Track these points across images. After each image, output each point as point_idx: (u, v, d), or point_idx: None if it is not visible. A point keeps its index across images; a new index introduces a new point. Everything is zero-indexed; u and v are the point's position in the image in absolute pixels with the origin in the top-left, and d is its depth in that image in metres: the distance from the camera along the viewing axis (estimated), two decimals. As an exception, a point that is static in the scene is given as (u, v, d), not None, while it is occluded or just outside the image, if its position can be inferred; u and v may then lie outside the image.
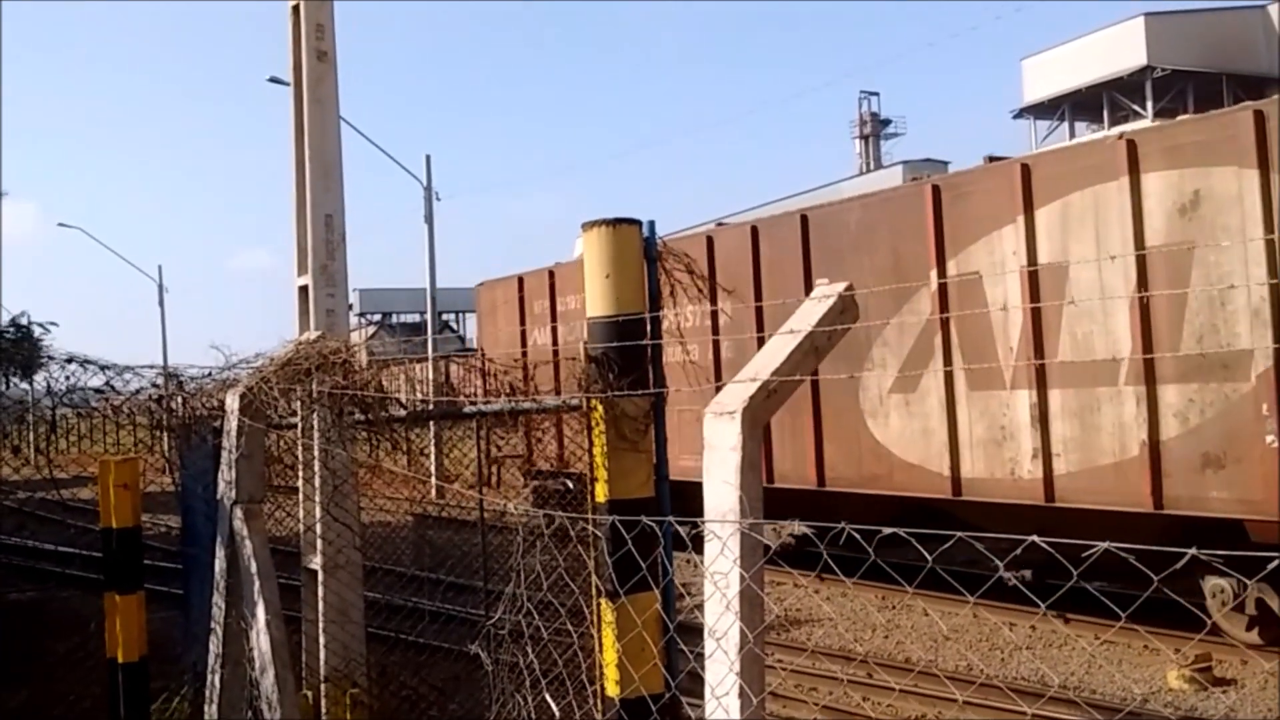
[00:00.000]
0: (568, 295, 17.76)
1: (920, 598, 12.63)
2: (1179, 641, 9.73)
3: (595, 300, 4.34)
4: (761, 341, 11.95)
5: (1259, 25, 50.95)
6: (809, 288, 11.66)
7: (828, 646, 10.80)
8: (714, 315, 13.72)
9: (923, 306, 12.12)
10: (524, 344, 18.65)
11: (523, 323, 18.99)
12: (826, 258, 13.38)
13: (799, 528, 15.08)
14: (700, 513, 2.83)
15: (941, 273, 11.86)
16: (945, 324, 11.78)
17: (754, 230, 14.60)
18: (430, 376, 26.52)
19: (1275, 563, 2.11)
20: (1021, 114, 59.24)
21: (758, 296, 13.94)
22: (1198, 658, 9.36)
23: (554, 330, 17.99)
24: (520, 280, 19.44)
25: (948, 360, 11.85)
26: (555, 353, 16.98)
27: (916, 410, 12.30)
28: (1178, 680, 9.09)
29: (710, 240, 15.17)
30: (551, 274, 18.51)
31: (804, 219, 13.86)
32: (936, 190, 12.17)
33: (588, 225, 4.34)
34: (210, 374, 6.26)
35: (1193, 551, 2.21)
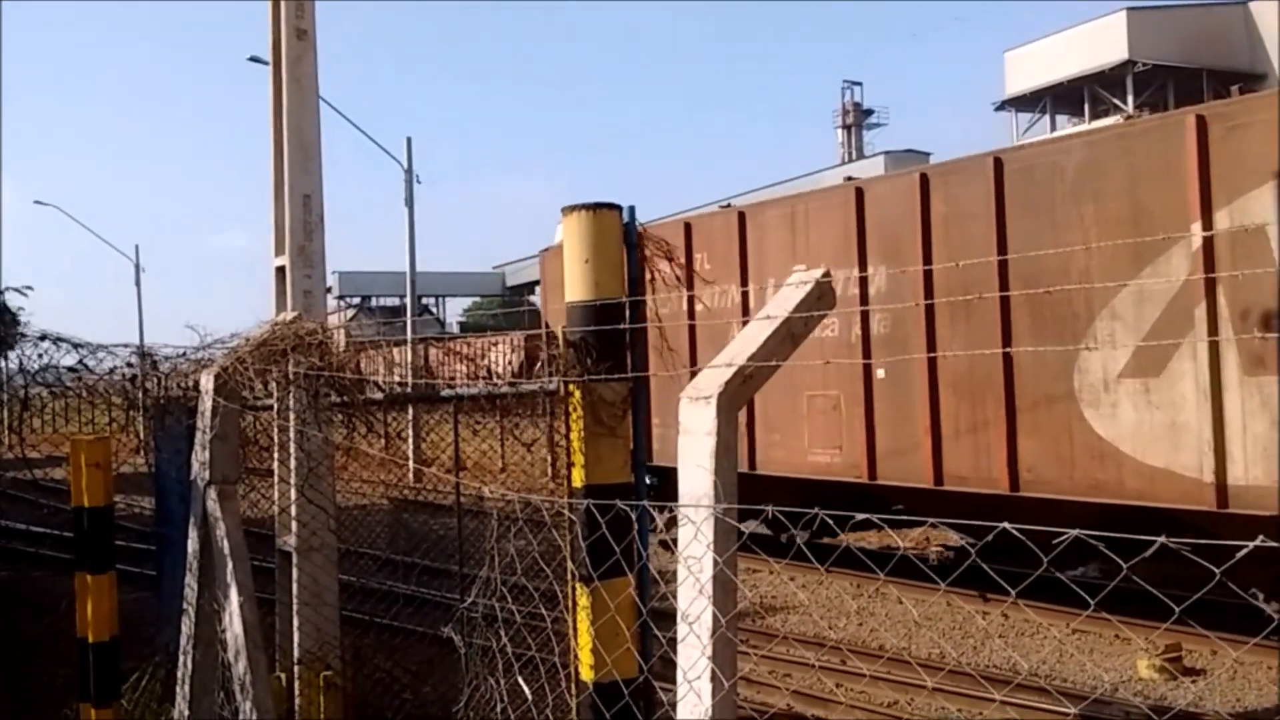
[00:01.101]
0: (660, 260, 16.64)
1: (894, 585, 12.70)
2: (1150, 631, 9.83)
3: (574, 285, 4.34)
4: (931, 311, 11.46)
5: (1240, 21, 51.18)
6: (1003, 246, 10.83)
7: (801, 633, 10.84)
8: (862, 283, 12.32)
9: (1173, 268, 9.85)
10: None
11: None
12: (1028, 211, 10.96)
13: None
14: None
15: (1207, 225, 9.59)
16: (1211, 289, 9.52)
17: (923, 180, 12.06)
18: (409, 360, 26.49)
19: None
20: (1003, 106, 59.42)
21: (927, 259, 11.76)
22: (1167, 647, 9.45)
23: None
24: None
25: (1213, 334, 9.50)
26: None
27: (1161, 399, 9.94)
28: (1147, 670, 9.17)
29: (859, 194, 12.80)
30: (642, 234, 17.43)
31: (998, 162, 11.27)
32: (1201, 122, 9.83)
33: (567, 210, 4.34)
34: (185, 354, 6.22)
35: None
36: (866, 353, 12.40)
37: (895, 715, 8.10)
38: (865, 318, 12.39)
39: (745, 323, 11.75)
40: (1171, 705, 8.16)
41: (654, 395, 14.85)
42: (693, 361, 12.47)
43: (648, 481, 14.69)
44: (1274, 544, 2.24)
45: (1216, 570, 2.76)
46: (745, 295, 13.68)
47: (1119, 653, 9.80)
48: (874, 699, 8.60)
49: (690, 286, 12.75)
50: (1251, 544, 2.37)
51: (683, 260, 13.57)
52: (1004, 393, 11.06)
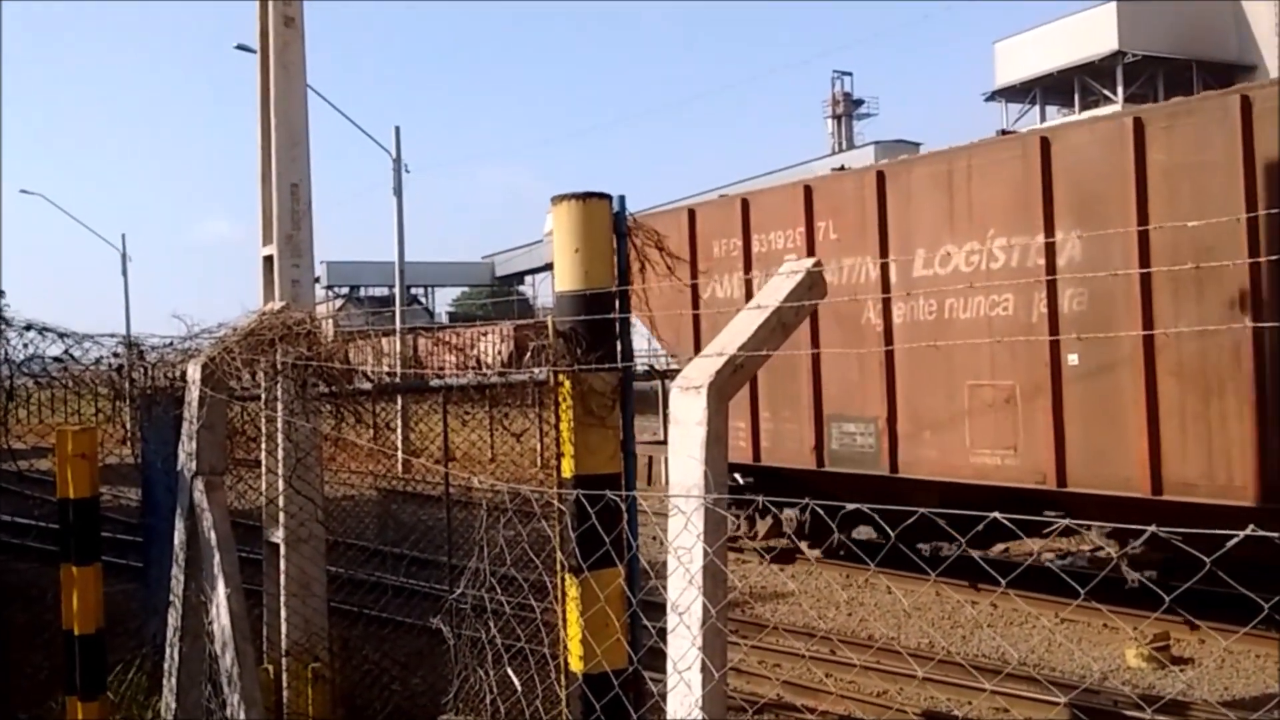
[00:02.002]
0: (772, 231, 13.20)
1: (883, 575, 12.72)
2: (1139, 621, 9.86)
3: (563, 275, 4.32)
4: (1148, 283, 9.55)
5: (1229, 13, 51.27)
6: (1251, 202, 9.00)
7: (791, 623, 10.85)
8: (1048, 251, 10.30)
9: None
10: (695, 301, 13.89)
11: (694, 271, 13.70)
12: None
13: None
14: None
15: None
16: None
17: (1137, 126, 10.00)
18: (398, 350, 26.44)
19: None
20: (993, 97, 59.44)
21: (1142, 219, 9.67)
22: (1156, 636, 9.47)
23: (748, 283, 13.04)
24: (691, 214, 14.37)
25: None
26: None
27: None
28: (1136, 659, 9.19)
29: (1045, 145, 10.64)
30: (746, 204, 13.59)
31: (1245, 101, 9.23)
32: None
33: (557, 199, 4.31)
34: (172, 344, 6.18)
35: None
36: (1054, 334, 10.30)
37: (884, 705, 8.10)
38: (1052, 294, 10.29)
39: (888, 300, 11.27)
40: (1160, 694, 8.17)
41: (763, 386, 12.93)
42: (814, 344, 11.98)
43: (739, 481, 13.57)
44: (1264, 533, 2.23)
45: (1207, 560, 2.75)
46: (885, 269, 11.73)
47: (1107, 642, 9.82)
48: (864, 689, 8.61)
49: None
50: (1241, 533, 2.36)
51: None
52: (1252, 382, 8.99)
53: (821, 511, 10.85)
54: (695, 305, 13.87)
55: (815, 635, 10.10)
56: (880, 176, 12.03)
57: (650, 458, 19.28)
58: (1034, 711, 7.88)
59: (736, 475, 13.58)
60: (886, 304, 11.61)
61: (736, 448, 12.92)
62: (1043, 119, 56.14)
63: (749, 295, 11.62)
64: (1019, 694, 8.04)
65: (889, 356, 11.65)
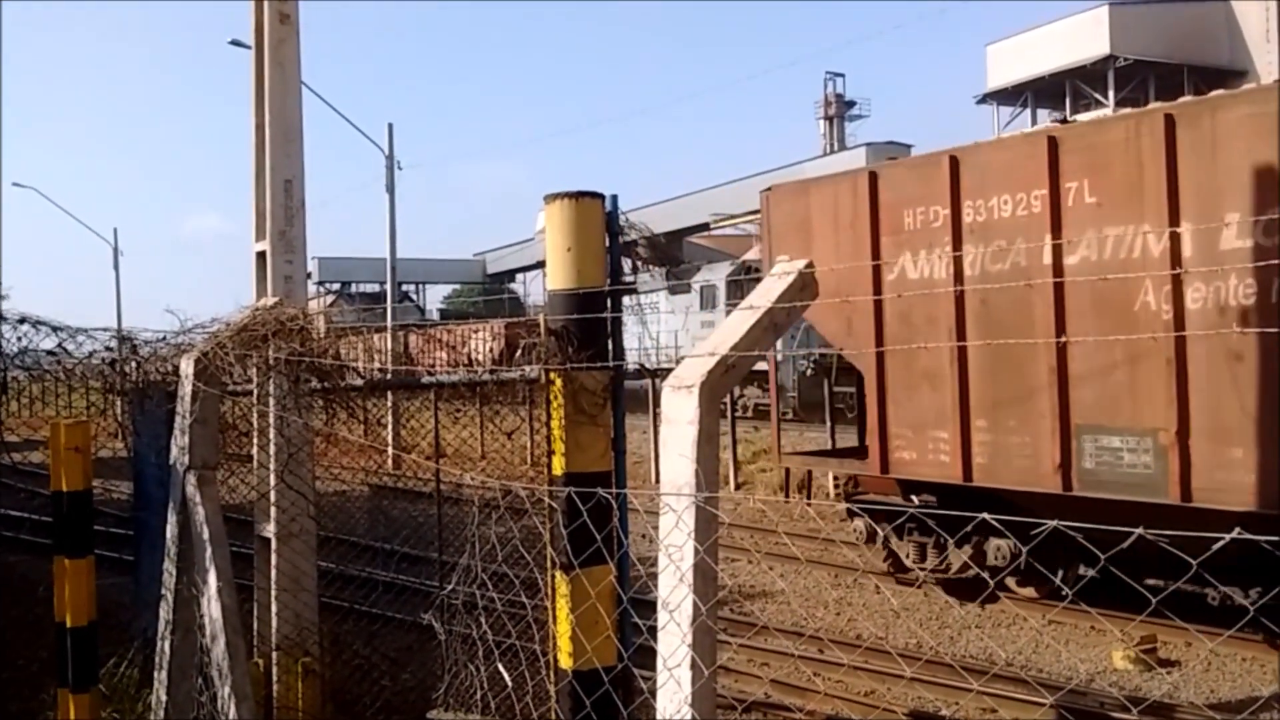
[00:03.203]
0: (994, 196, 10.43)
1: (872, 575, 12.77)
2: (1126, 623, 9.92)
3: (556, 273, 4.35)
4: None
5: (1221, 17, 51.42)
6: None
7: (780, 622, 10.88)
8: None
9: None
10: (878, 281, 11.30)
11: (876, 247, 11.36)
12: None
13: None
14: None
15: None
16: None
17: None
18: (389, 346, 26.42)
19: None
20: (985, 100, 59.52)
21: None
22: (1143, 639, 9.52)
23: (957, 261, 10.68)
24: (872, 178, 11.65)
25: None
26: (957, 300, 10.54)
27: None
28: (1123, 660, 9.24)
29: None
30: (956, 164, 10.78)
31: None
32: None
33: (550, 198, 4.34)
34: (165, 338, 6.19)
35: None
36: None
37: (872, 704, 8.15)
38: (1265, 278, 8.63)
39: (1178, 275, 8.97)
40: (1146, 696, 8.23)
41: (977, 386, 10.46)
42: (1059, 331, 9.71)
43: (914, 500, 11.36)
44: (1251, 536, 2.27)
45: (1193, 561, 2.79)
46: (1176, 239, 9.17)
47: (1095, 644, 9.87)
48: (852, 688, 8.65)
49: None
50: (1227, 536, 2.40)
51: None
52: None
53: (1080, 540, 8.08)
54: (877, 288, 11.23)
55: (804, 634, 10.14)
56: (1169, 121, 9.38)
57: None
58: (1021, 712, 7.92)
59: (913, 495, 11.46)
60: (1177, 285, 9.06)
61: (933, 463, 10.80)
62: (1033, 123, 56.24)
63: (958, 274, 10.53)
64: (1006, 694, 8.08)
65: (1179, 352, 9.03)
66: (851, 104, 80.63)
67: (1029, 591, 11.33)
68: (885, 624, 10.89)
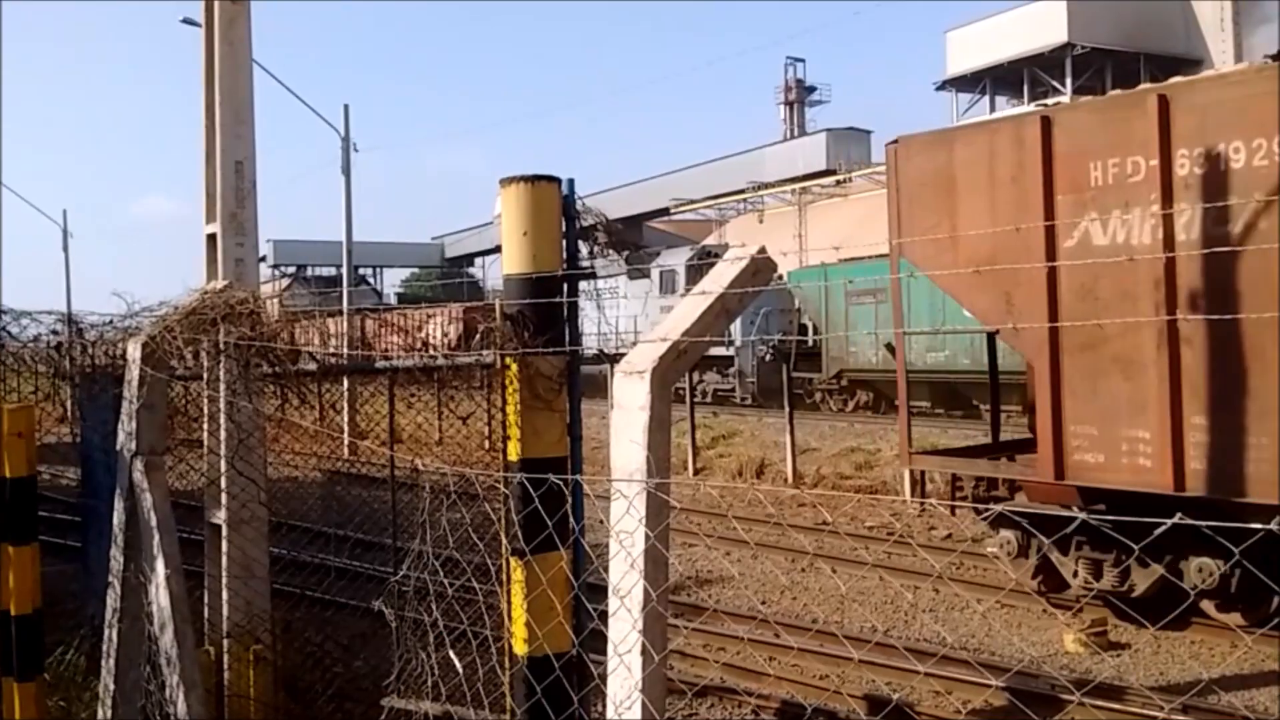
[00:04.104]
0: (1225, 140, 8.42)
1: (827, 560, 12.83)
2: (1084, 608, 10.04)
3: (512, 257, 4.32)
4: None
5: (1177, 6, 51.95)
6: None
7: (736, 607, 10.92)
8: None
9: None
10: (1051, 248, 9.30)
11: (1049, 207, 9.28)
12: None
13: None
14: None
15: None
16: None
17: None
18: (344, 331, 26.20)
19: None
20: (944, 86, 59.79)
21: None
22: (1093, 622, 9.63)
23: (1166, 221, 8.66)
24: (1045, 124, 9.44)
25: None
26: (1167, 269, 8.60)
27: None
28: (1073, 644, 9.34)
29: None
30: (1166, 104, 8.74)
31: None
32: None
33: (506, 182, 4.30)
34: (112, 322, 6.10)
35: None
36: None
37: (825, 688, 8.19)
38: None
39: None
40: (1095, 678, 8.32)
41: (1192, 370, 8.44)
42: None
43: (1073, 510, 9.12)
44: (1190, 522, 2.27)
45: (1135, 547, 2.81)
46: None
47: (1047, 627, 9.98)
48: (806, 672, 8.69)
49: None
50: (1168, 521, 2.41)
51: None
52: None
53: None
54: (1051, 253, 9.26)
55: (758, 619, 10.17)
56: None
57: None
58: (972, 694, 7.99)
59: (1075, 506, 9.40)
60: None
61: (1128, 467, 8.87)
62: (992, 109, 56.59)
63: (1168, 238, 8.54)
64: (957, 677, 8.15)
65: None
66: (812, 89, 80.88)
67: (1232, 618, 9.30)
68: (839, 609, 10.95)
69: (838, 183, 54.19)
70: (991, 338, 12.31)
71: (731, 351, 34.75)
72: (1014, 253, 9.46)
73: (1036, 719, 6.86)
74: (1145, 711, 7.24)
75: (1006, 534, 10.56)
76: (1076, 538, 9.69)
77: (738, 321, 33.70)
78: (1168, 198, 8.60)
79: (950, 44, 58.30)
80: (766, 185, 56.80)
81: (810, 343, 32.64)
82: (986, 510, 10.72)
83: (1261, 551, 2.67)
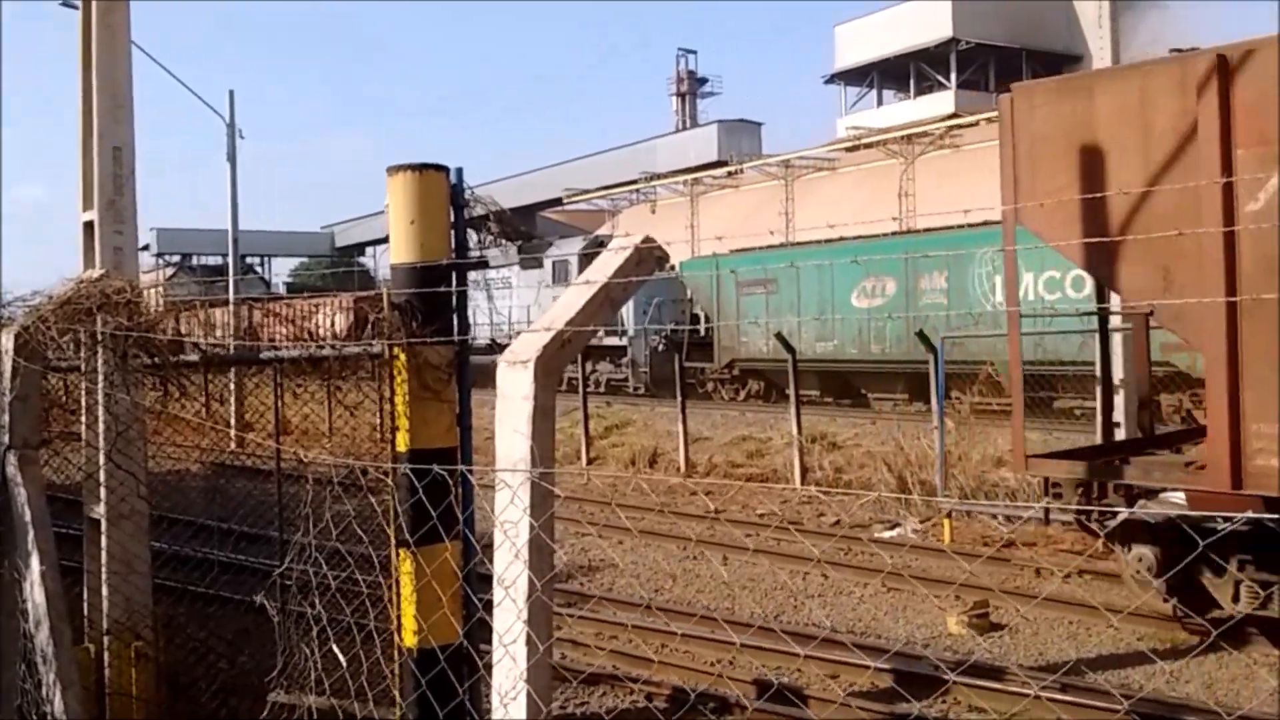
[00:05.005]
0: None
1: (718, 548, 12.98)
2: (962, 590, 10.32)
3: (399, 247, 4.29)
4: None
5: (1060, 5, 53.32)
6: None
7: (628, 595, 10.98)
8: None
9: None
10: (1230, 210, 7.67)
11: (1226, 164, 7.68)
12: None
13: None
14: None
15: None
16: None
17: None
18: (230, 320, 25.58)
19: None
20: (833, 80, 60.61)
21: None
22: (975, 603, 9.90)
23: None
24: (1222, 64, 7.78)
25: None
26: None
27: None
28: (957, 626, 9.59)
29: None
30: None
31: None
32: None
33: (393, 170, 4.27)
34: (-17, 312, 5.90)
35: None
36: None
37: (713, 674, 8.28)
38: None
39: None
40: (978, 658, 8.55)
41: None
42: None
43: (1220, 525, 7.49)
44: (1053, 505, 2.37)
45: (1008, 531, 2.90)
46: None
47: (931, 610, 10.22)
48: (697, 659, 8.78)
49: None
50: (1033, 507, 2.50)
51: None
52: None
53: None
54: (1229, 219, 7.67)
55: (650, 607, 10.24)
56: None
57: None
58: (858, 677, 8.16)
59: (1220, 517, 7.56)
60: None
61: (1264, 471, 7.54)
62: (879, 103, 57.60)
63: None
64: (843, 660, 8.31)
65: None
66: (703, 81, 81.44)
67: None
68: (730, 595, 11.09)
69: (729, 174, 54.66)
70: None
71: (625, 341, 34.87)
72: (1175, 220, 7.92)
73: (912, 699, 7.04)
74: (1023, 691, 7.47)
75: (1141, 550, 8.92)
76: (1239, 556, 8.22)
77: (630, 311, 33.83)
78: None
79: (839, 38, 59.10)
80: (659, 176, 57.06)
81: (703, 333, 32.90)
82: (1111, 515, 8.97)
83: None
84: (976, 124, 44.78)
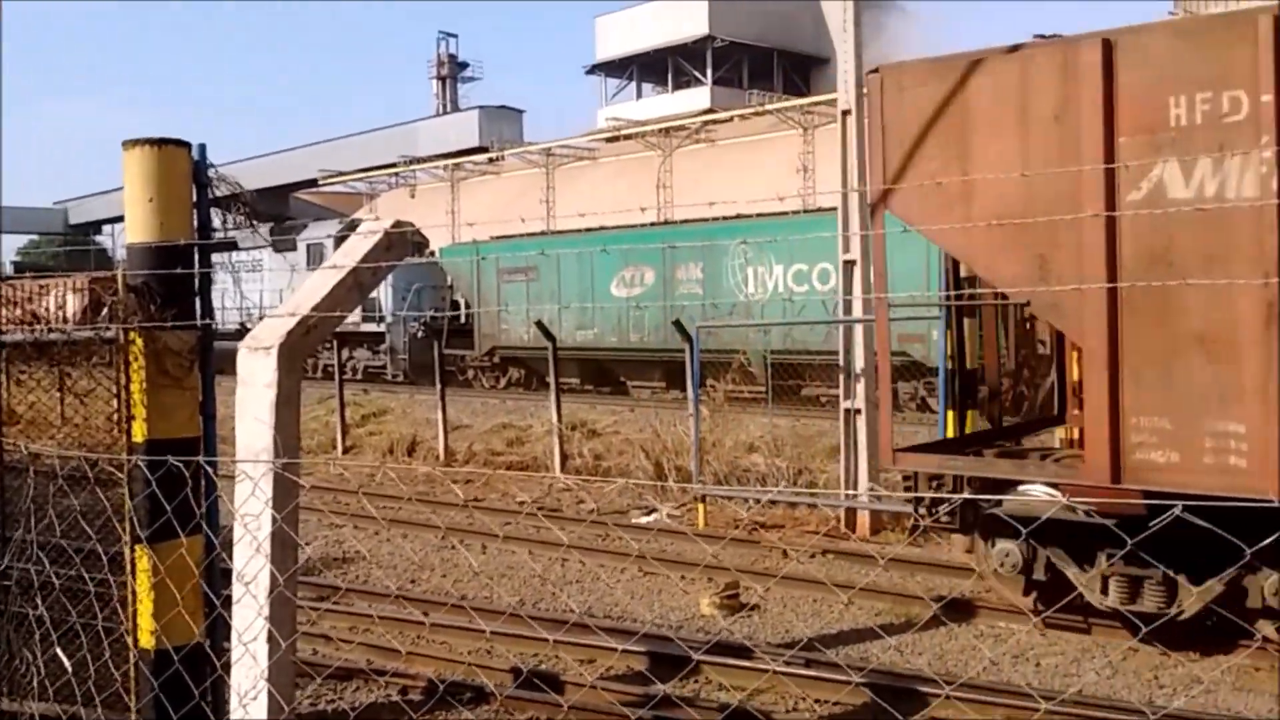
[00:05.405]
0: None
1: (476, 537, 12.90)
2: (715, 572, 10.61)
3: (135, 225, 4.07)
4: None
5: (808, 7, 55.50)
6: None
7: (385, 587, 10.78)
8: None
9: None
10: (1111, 197, 7.50)
11: (1109, 151, 7.53)
12: None
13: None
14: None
15: None
16: None
17: None
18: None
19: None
20: (593, 70, 61.14)
21: None
22: (726, 585, 10.19)
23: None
24: (1106, 48, 7.61)
25: None
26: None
27: None
28: (709, 607, 9.86)
29: None
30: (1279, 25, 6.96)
31: None
32: None
33: (130, 144, 4.03)
34: None
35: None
36: None
37: (472, 663, 8.23)
38: None
39: None
40: (725, 638, 8.81)
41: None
42: None
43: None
44: (823, 496, 2.45)
45: (745, 514, 2.99)
46: None
47: (685, 592, 10.46)
48: (455, 649, 8.71)
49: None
50: (806, 495, 2.58)
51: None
52: None
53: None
54: (1110, 202, 7.47)
55: (404, 598, 10.09)
56: None
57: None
58: (614, 660, 8.27)
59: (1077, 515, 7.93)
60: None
61: (1215, 468, 7.27)
62: (639, 96, 58.46)
63: None
64: (598, 645, 8.40)
65: None
66: (464, 65, 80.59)
67: None
68: (489, 585, 11.04)
69: (491, 160, 54.40)
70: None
71: (383, 328, 34.26)
72: (1054, 207, 7.66)
73: (662, 681, 7.20)
74: (767, 668, 7.73)
75: (1006, 545, 8.80)
76: (1108, 550, 8.19)
77: (388, 297, 33.24)
78: None
79: (600, 29, 59.66)
80: (419, 160, 56.23)
81: (463, 319, 32.65)
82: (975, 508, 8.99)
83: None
84: (731, 120, 46.13)
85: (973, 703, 6.94)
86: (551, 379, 17.48)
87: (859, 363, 12.53)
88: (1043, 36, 8.54)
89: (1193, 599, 8.01)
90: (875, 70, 8.79)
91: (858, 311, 12.64)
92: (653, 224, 31.82)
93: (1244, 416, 7.12)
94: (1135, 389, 7.54)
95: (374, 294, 29.96)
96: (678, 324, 15.33)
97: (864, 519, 12.46)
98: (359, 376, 34.37)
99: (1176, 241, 7.34)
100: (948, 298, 11.05)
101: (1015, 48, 8.16)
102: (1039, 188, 7.78)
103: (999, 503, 8.80)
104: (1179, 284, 7.14)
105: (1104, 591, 8.42)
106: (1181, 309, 7.35)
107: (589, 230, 30.46)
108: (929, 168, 8.35)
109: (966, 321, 11.05)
